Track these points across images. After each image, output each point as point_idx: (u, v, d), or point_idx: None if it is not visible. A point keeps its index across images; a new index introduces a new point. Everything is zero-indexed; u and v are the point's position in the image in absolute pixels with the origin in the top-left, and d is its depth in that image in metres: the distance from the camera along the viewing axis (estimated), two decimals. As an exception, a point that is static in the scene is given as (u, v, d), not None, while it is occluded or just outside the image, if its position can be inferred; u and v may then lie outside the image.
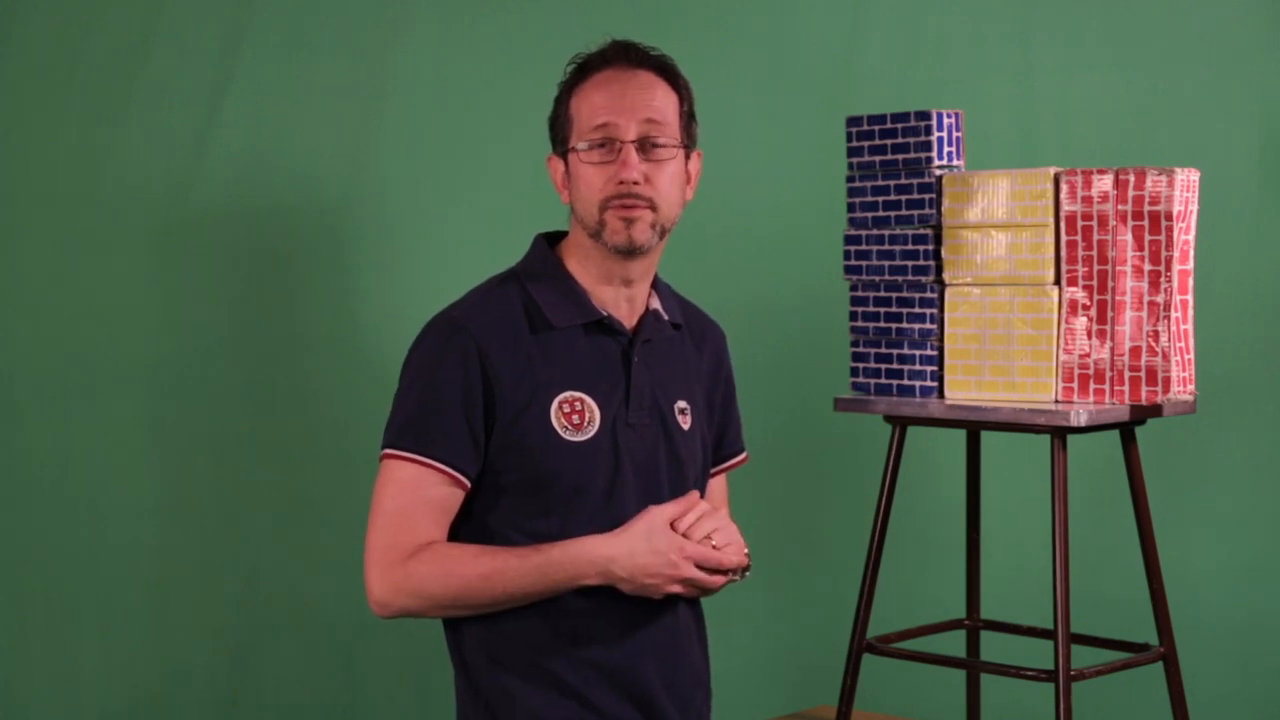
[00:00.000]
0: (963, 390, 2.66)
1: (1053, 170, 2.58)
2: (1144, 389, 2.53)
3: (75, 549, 2.79)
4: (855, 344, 2.77)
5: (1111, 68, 3.52)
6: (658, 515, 2.20)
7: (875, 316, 2.74)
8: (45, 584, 2.78)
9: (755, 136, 3.34)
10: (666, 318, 2.37)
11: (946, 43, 3.48)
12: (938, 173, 2.66)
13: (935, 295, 2.67)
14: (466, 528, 2.27)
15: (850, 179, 2.76)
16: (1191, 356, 2.59)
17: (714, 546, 2.21)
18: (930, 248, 2.66)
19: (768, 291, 3.36)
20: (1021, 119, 3.50)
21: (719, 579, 2.23)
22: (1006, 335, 2.61)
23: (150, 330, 2.84)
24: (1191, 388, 2.61)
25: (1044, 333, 2.59)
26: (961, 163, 2.69)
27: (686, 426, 2.35)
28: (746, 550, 2.26)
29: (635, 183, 2.23)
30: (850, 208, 2.76)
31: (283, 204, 2.93)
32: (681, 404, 2.36)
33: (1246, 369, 3.54)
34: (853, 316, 2.77)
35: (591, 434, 2.25)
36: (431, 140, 3.05)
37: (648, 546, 2.18)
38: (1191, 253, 2.57)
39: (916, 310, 2.68)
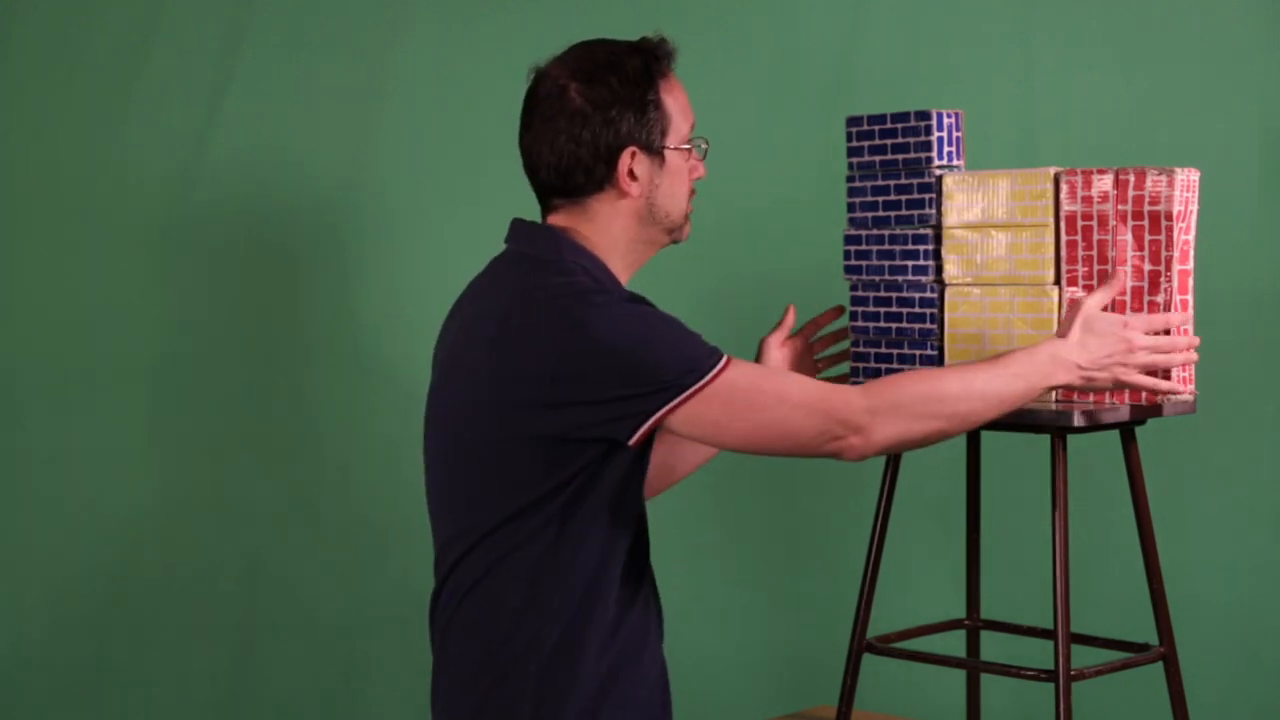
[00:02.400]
0: (963, 390, 2.66)
1: (1053, 170, 2.58)
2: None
3: (75, 549, 2.79)
4: (855, 344, 2.77)
5: (1111, 68, 3.52)
6: (1090, 305, 2.29)
7: (875, 316, 2.74)
8: (45, 584, 2.78)
9: (755, 136, 3.34)
10: None
11: (946, 43, 3.48)
12: (938, 173, 2.66)
13: (935, 295, 2.67)
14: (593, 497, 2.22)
15: (850, 179, 2.76)
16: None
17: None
18: (930, 248, 2.66)
19: (768, 291, 3.35)
20: (1021, 119, 3.50)
21: (1177, 355, 2.31)
22: (1006, 335, 2.61)
23: (150, 330, 2.84)
24: (1191, 387, 2.61)
25: (1044, 333, 2.58)
26: (961, 163, 2.69)
27: None
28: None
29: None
30: (850, 208, 2.76)
31: (282, 204, 2.93)
32: None
33: (1246, 369, 3.54)
34: (853, 316, 2.77)
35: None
36: (431, 140, 3.05)
37: (1093, 335, 2.28)
38: (1191, 253, 2.57)
39: (917, 310, 2.68)
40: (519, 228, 2.32)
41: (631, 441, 2.15)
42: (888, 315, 2.72)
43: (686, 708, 3.20)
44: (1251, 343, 3.54)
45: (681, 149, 2.31)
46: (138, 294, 2.83)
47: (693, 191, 2.35)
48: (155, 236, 2.84)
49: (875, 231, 2.73)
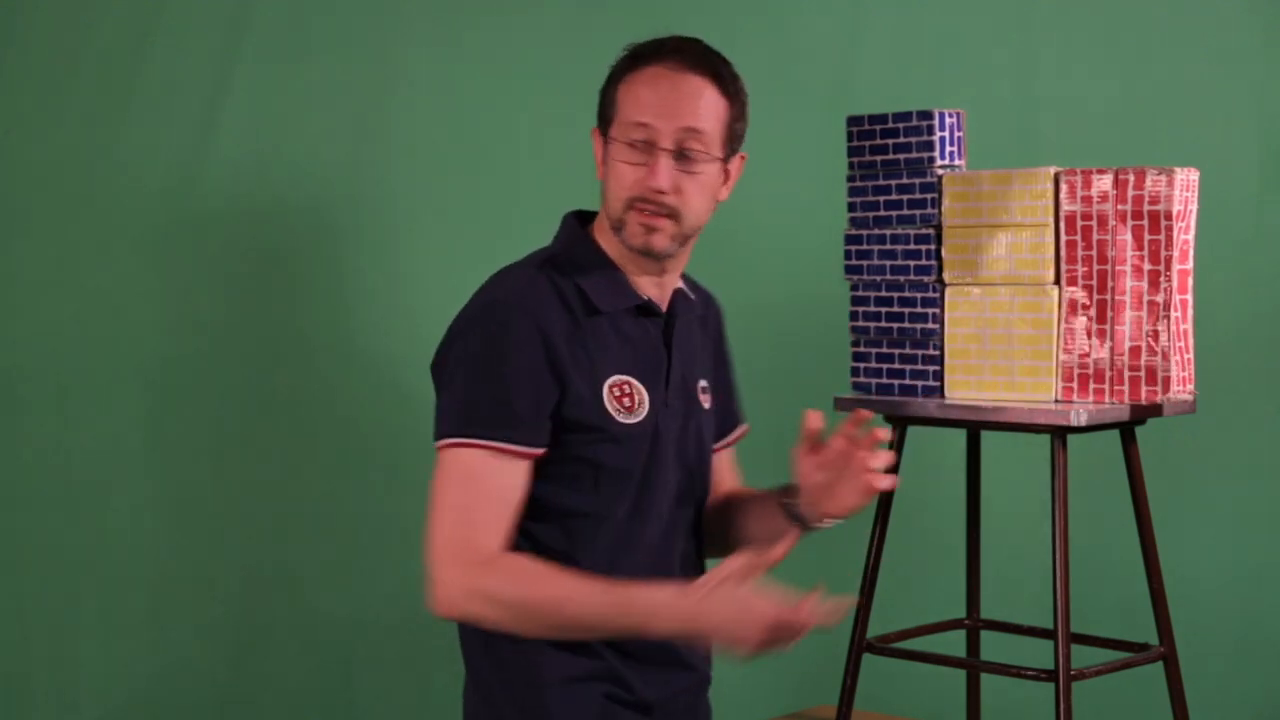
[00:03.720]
0: (963, 390, 2.65)
1: (1053, 170, 2.58)
2: (1144, 388, 2.53)
3: (75, 548, 2.79)
4: (856, 344, 2.77)
5: (1111, 68, 3.52)
6: (732, 568, 2.11)
7: (876, 316, 2.74)
8: (45, 584, 2.77)
9: (755, 136, 3.33)
10: (694, 296, 2.41)
11: (946, 43, 3.48)
12: (939, 172, 2.66)
13: (937, 295, 2.67)
14: None
15: (851, 178, 2.76)
16: (1191, 356, 2.59)
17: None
18: (932, 247, 2.66)
19: (768, 291, 3.35)
20: (1021, 119, 3.49)
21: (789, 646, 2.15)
22: (1006, 335, 2.61)
23: (150, 330, 2.84)
24: (1191, 387, 2.61)
25: (1044, 332, 2.59)
26: (963, 162, 2.69)
27: (707, 405, 2.38)
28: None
29: (663, 192, 2.22)
30: (851, 207, 2.76)
31: (283, 204, 2.93)
32: (703, 383, 2.39)
33: (1246, 369, 3.53)
34: (853, 316, 2.77)
35: (641, 417, 2.26)
36: (431, 140, 3.04)
37: (718, 603, 2.10)
38: (1191, 252, 2.57)
39: (919, 310, 2.68)
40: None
41: None
42: (889, 315, 2.72)
43: (686, 708, 3.20)
44: (1251, 343, 3.54)
45: (616, 141, 2.24)
46: (138, 294, 2.83)
47: (637, 197, 2.23)
48: (155, 237, 2.84)
49: (876, 231, 2.73)
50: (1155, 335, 2.52)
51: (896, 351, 2.72)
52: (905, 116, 2.69)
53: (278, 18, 2.91)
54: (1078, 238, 2.56)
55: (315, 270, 2.96)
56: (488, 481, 2.16)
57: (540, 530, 2.24)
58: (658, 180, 2.22)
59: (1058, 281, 2.58)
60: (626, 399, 2.25)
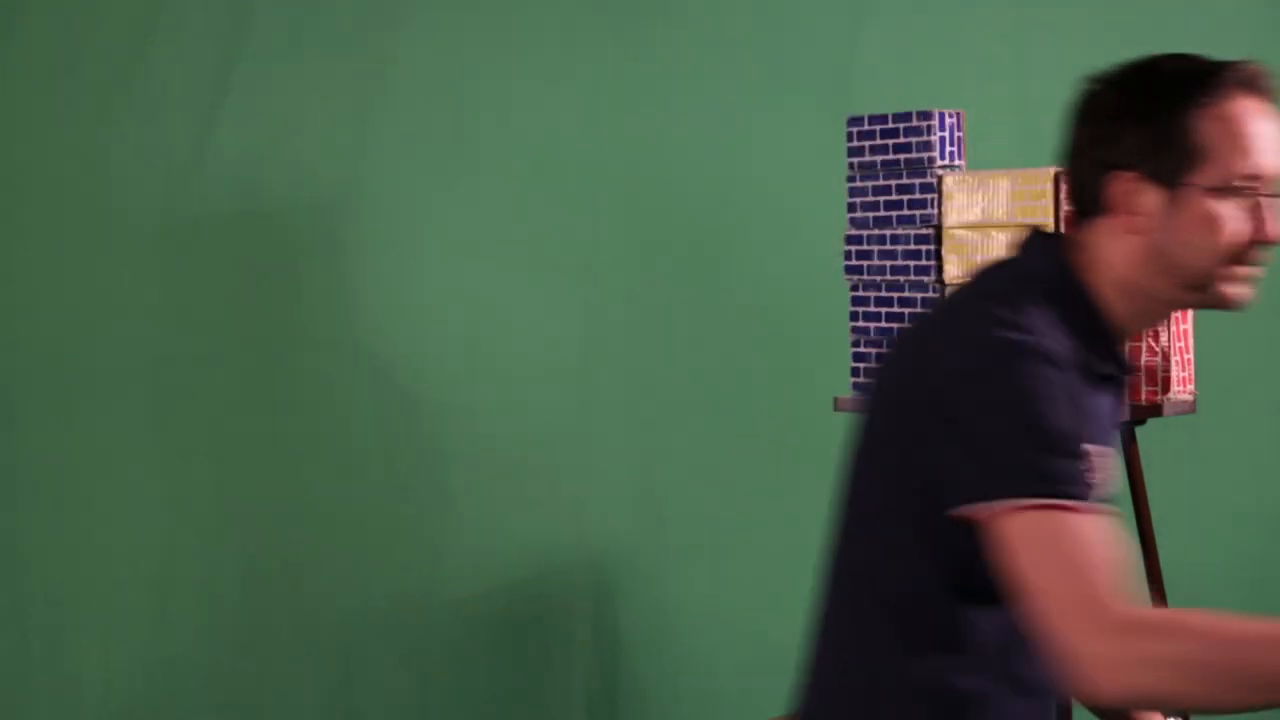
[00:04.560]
0: (963, 390, 2.65)
1: (1053, 170, 2.58)
2: (1144, 389, 2.53)
3: (75, 549, 2.79)
4: (856, 344, 2.77)
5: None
6: None
7: (876, 316, 2.74)
8: (45, 584, 2.77)
9: (755, 136, 3.34)
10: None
11: (946, 43, 3.48)
12: (939, 172, 2.66)
13: (937, 295, 2.67)
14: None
15: (851, 179, 2.76)
16: (1191, 356, 2.59)
17: None
18: (932, 248, 2.66)
19: (768, 291, 3.35)
20: (1021, 119, 3.49)
21: None
22: (1007, 335, 2.61)
23: (150, 330, 2.84)
24: (1191, 387, 2.61)
25: (1044, 333, 2.59)
26: (963, 163, 2.69)
27: None
28: None
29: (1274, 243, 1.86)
30: (851, 207, 2.76)
31: (282, 204, 2.93)
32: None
33: (1246, 369, 3.53)
34: (853, 316, 2.77)
35: (1100, 495, 1.85)
36: (430, 140, 3.04)
37: None
38: (1192, 253, 2.57)
39: (919, 310, 2.68)
40: (1032, 235, 1.99)
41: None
42: (889, 315, 2.72)
43: (687, 707, 3.19)
44: (1251, 343, 3.54)
45: (1213, 189, 1.82)
46: (138, 294, 2.83)
47: (1248, 248, 1.84)
48: (155, 236, 2.84)
49: (876, 231, 2.73)
50: (1155, 336, 2.52)
51: (897, 352, 2.72)
52: (905, 116, 2.69)
53: (277, 18, 2.91)
54: (1078, 238, 2.56)
55: (315, 270, 2.96)
56: (1091, 542, 1.74)
57: (977, 614, 1.86)
58: (1277, 230, 1.84)
59: (1058, 281, 2.58)
60: (1090, 474, 1.83)
